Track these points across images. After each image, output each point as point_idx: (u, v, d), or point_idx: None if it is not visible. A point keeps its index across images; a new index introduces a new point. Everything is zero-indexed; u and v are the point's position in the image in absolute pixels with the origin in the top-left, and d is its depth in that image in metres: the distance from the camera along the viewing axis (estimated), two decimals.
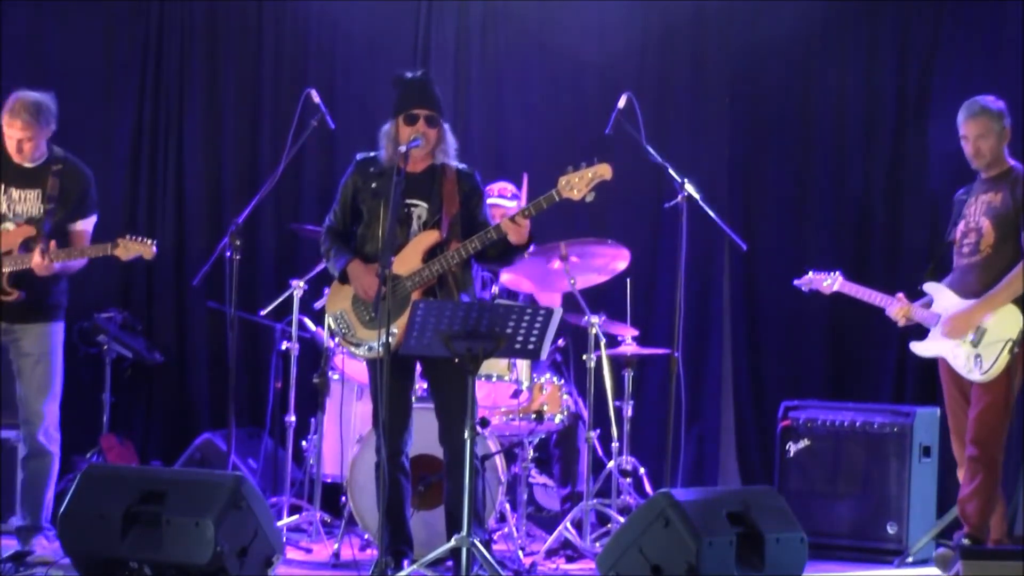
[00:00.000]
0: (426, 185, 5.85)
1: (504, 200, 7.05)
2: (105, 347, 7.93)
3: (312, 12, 8.54)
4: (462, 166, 5.96)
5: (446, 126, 5.92)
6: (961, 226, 6.17)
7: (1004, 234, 6.02)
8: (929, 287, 6.23)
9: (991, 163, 6.11)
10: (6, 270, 6.19)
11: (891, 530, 6.78)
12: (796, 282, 6.59)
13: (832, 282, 6.47)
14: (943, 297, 6.16)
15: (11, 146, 6.29)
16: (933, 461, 6.92)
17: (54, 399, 6.33)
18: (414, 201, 5.83)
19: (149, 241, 6.27)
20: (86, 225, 6.38)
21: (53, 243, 6.20)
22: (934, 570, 6.34)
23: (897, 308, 6.24)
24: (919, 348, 6.24)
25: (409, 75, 5.92)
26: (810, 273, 6.55)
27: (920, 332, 6.29)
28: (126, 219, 8.45)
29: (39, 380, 6.28)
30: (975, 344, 5.98)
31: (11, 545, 6.33)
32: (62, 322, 6.41)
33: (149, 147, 8.58)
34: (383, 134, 5.88)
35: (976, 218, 6.10)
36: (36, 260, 6.13)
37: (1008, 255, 6.01)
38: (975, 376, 5.98)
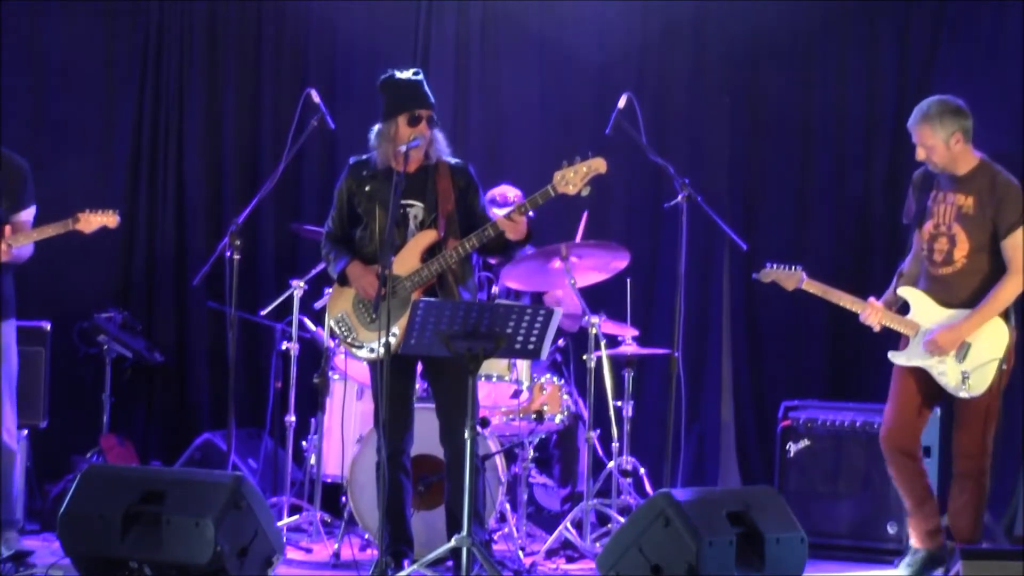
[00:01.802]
0: (420, 184, 5.85)
1: (510, 207, 7.05)
2: (105, 347, 7.92)
3: (312, 12, 8.54)
4: (455, 160, 5.96)
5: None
6: (929, 226, 5.97)
7: (979, 243, 5.86)
8: (906, 292, 6.06)
9: (949, 165, 5.89)
10: None
11: (891, 530, 6.78)
12: (755, 276, 6.30)
13: (793, 279, 6.14)
14: (923, 306, 5.99)
15: None
16: (933, 461, 6.91)
17: (11, 397, 6.26)
18: (409, 201, 5.83)
19: (111, 211, 6.24)
20: (26, 216, 6.30)
21: (8, 228, 6.17)
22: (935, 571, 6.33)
23: (872, 314, 6.02)
24: (899, 358, 6.05)
25: (401, 75, 5.91)
26: (770, 267, 6.22)
27: (892, 336, 6.16)
28: (126, 219, 8.43)
29: None
30: (961, 361, 5.87)
31: None
32: (14, 319, 6.33)
33: (149, 147, 8.58)
34: (377, 135, 5.88)
35: (947, 222, 5.92)
36: None
37: (983, 262, 5.88)
38: (963, 394, 5.87)
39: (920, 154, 5.93)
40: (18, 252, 6.23)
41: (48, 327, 7.31)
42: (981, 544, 6.00)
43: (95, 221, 6.22)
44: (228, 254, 6.51)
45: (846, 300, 6.11)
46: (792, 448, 7.08)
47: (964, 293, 5.91)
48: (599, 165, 5.66)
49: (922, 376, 5.98)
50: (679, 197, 6.37)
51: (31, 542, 6.60)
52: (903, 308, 6.09)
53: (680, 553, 5.07)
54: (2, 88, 8.11)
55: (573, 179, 5.64)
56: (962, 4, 7.79)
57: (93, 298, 8.17)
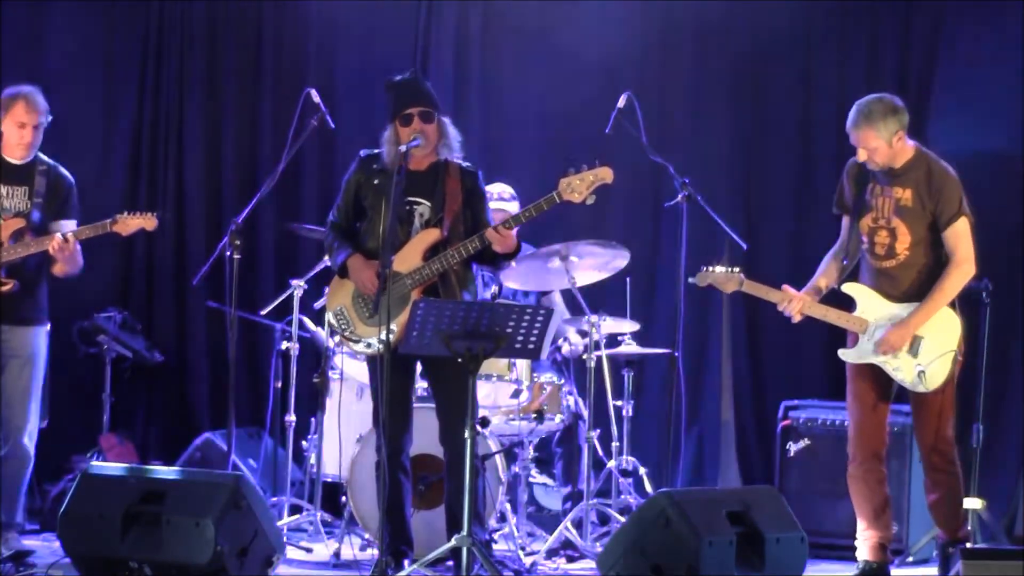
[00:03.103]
0: (429, 183, 5.85)
1: (504, 202, 7.06)
2: (105, 347, 7.92)
3: (312, 12, 8.54)
4: (466, 164, 5.97)
5: (446, 120, 5.92)
6: (868, 219, 5.90)
7: (919, 236, 5.81)
8: (850, 288, 5.98)
9: (889, 162, 5.83)
10: None
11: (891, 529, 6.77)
12: (691, 280, 6.17)
13: (732, 281, 6.01)
14: (869, 302, 5.92)
15: (16, 135, 6.27)
16: None
17: (37, 403, 6.32)
18: (416, 199, 5.84)
19: (150, 214, 6.27)
20: (66, 226, 6.34)
21: (69, 233, 6.21)
22: (934, 570, 6.33)
23: (795, 303, 5.90)
24: (850, 356, 5.98)
25: (399, 78, 5.93)
26: (706, 269, 6.09)
27: (840, 334, 6.11)
28: None
29: (25, 383, 6.26)
30: (914, 355, 5.82)
31: None
32: (48, 326, 6.40)
33: (149, 147, 8.58)
34: (383, 139, 5.89)
35: (887, 215, 5.85)
36: (56, 240, 6.12)
37: (925, 254, 5.83)
38: (920, 389, 5.84)
39: (861, 156, 5.85)
40: (71, 265, 6.25)
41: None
42: (965, 532, 5.99)
43: (133, 223, 6.23)
44: (228, 254, 6.51)
45: (774, 295, 5.98)
46: (792, 448, 7.08)
47: (908, 286, 5.86)
48: (606, 175, 5.67)
49: (874, 373, 5.95)
50: (679, 197, 6.37)
51: (31, 542, 6.60)
52: (848, 304, 6.02)
53: (680, 553, 5.07)
54: (2, 88, 8.11)
55: (579, 187, 5.65)
56: (962, 4, 7.79)
57: (93, 298, 8.17)
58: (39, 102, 6.32)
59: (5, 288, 6.19)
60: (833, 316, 5.96)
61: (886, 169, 5.87)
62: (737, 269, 6.06)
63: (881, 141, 5.78)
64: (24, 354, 6.27)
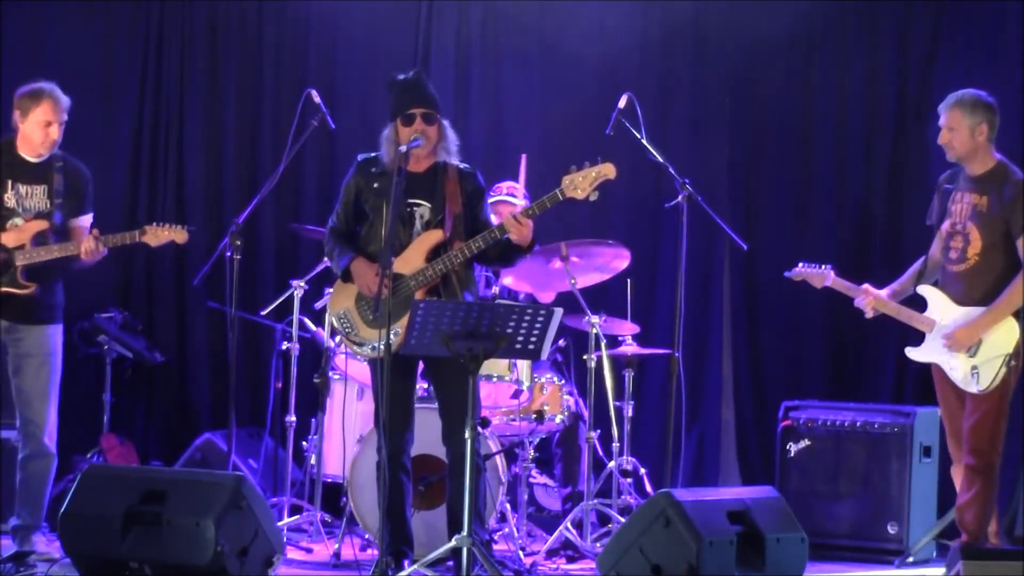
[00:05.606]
0: (429, 185, 5.86)
1: (514, 198, 7.07)
2: (105, 347, 7.92)
3: (312, 12, 8.54)
4: (464, 166, 5.97)
5: (446, 123, 5.92)
6: (947, 225, 6.04)
7: (991, 241, 5.92)
8: (924, 290, 6.13)
9: (964, 158, 5.97)
10: (20, 264, 6.17)
11: (891, 530, 6.78)
12: (787, 273, 6.43)
13: (822, 276, 6.30)
14: (939, 303, 6.05)
15: (41, 135, 6.24)
16: (933, 461, 6.92)
17: (55, 402, 6.32)
18: (417, 201, 5.84)
19: (180, 226, 6.28)
20: (84, 222, 6.36)
21: (96, 231, 6.21)
22: (934, 570, 6.34)
23: (865, 298, 6.16)
24: (915, 354, 6.12)
25: (402, 76, 5.93)
26: (800, 265, 6.38)
27: (913, 334, 6.20)
28: (126, 219, 8.44)
29: (43, 383, 6.25)
30: (972, 355, 5.91)
31: (8, 546, 6.32)
32: (62, 324, 6.39)
33: (149, 147, 8.58)
34: (383, 138, 5.89)
35: (963, 221, 5.98)
36: (88, 245, 6.12)
37: (995, 261, 5.92)
38: (972, 389, 5.92)
39: (943, 136, 5.99)
40: (90, 258, 6.23)
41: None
42: (986, 539, 6.01)
43: (163, 235, 6.24)
44: (228, 254, 6.51)
45: (853, 291, 6.23)
46: (792, 448, 7.08)
47: (977, 290, 5.95)
48: (608, 171, 5.67)
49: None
50: (679, 197, 6.37)
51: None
52: (921, 305, 6.11)
53: (680, 553, 5.07)
54: (2, 88, 8.11)
55: (582, 184, 5.65)
56: (962, 4, 7.80)
57: (94, 298, 8.16)
58: (64, 99, 6.32)
59: (26, 292, 6.18)
60: (905, 315, 6.16)
61: (967, 176, 5.99)
62: (828, 266, 6.33)
63: (964, 125, 5.93)
64: (41, 353, 6.25)
